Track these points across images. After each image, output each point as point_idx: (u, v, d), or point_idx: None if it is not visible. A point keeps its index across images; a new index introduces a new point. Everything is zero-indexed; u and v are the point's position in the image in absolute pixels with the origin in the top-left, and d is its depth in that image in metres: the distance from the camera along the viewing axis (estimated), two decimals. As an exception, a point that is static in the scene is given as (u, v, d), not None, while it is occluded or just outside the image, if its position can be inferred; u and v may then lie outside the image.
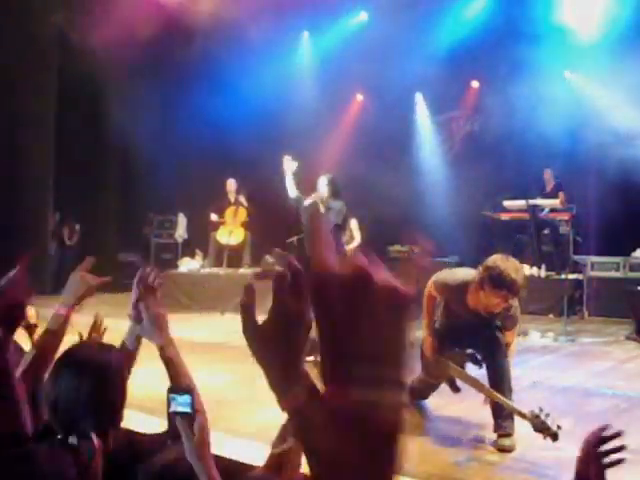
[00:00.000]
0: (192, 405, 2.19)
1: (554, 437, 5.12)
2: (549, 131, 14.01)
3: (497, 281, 5.40)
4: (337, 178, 9.97)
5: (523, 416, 5.29)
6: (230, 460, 4.24)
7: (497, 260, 5.54)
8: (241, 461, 4.36)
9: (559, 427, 5.11)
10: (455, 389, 6.30)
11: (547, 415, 5.18)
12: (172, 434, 2.28)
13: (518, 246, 14.78)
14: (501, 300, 5.49)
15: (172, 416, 2.23)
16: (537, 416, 5.18)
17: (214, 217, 14.65)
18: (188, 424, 2.20)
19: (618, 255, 13.67)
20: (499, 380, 5.77)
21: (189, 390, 2.22)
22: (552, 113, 14.02)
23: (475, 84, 17.21)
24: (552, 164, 14.68)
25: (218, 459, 2.36)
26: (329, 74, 15.63)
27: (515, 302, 5.82)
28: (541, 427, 5.15)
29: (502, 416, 5.68)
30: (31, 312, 3.67)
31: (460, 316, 5.90)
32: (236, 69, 14.48)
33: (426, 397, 6.39)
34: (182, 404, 2.20)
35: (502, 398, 5.56)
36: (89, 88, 15.06)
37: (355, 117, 18.12)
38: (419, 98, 17.85)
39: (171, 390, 2.28)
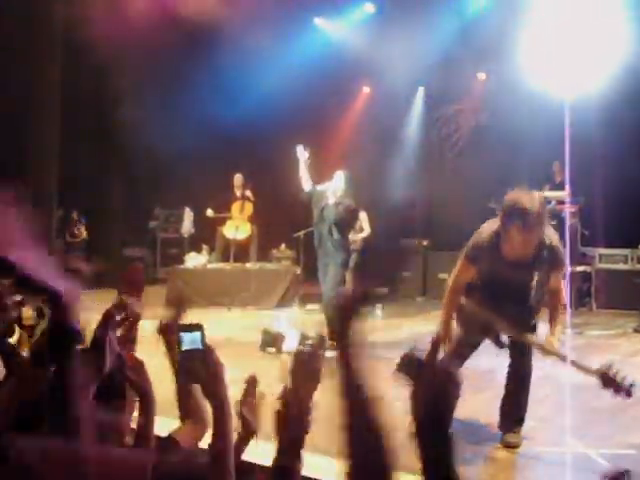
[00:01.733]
0: (202, 341, 2.21)
1: (628, 393, 4.78)
2: (557, 123, 13.95)
3: (509, 212, 5.22)
4: (350, 174, 9.94)
5: (587, 371, 5.07)
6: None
7: (512, 193, 5.34)
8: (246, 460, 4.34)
9: (632, 384, 4.77)
10: (500, 345, 5.92)
11: (617, 371, 4.84)
12: (183, 377, 2.37)
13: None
14: (517, 233, 5.21)
15: (183, 356, 2.24)
16: (605, 372, 4.85)
17: (210, 213, 14.62)
18: (201, 360, 2.21)
19: (626, 247, 13.63)
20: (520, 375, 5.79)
21: (198, 327, 2.24)
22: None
23: (482, 76, 17.15)
24: (560, 154, 14.61)
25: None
26: (335, 66, 15.57)
27: (552, 240, 5.46)
28: (610, 383, 4.81)
29: (514, 419, 5.63)
30: (28, 313, 3.62)
31: (502, 280, 5.48)
32: (242, 62, 14.43)
33: (467, 358, 5.93)
34: (193, 341, 2.22)
35: (556, 350, 5.41)
36: (94, 84, 15.05)
37: (362, 109, 18.08)
38: (421, 92, 17.76)
39: (181, 329, 2.29)
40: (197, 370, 2.21)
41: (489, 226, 5.59)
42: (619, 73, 12.61)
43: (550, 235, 5.47)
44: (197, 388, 2.45)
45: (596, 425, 6.09)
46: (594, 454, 5.26)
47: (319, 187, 9.65)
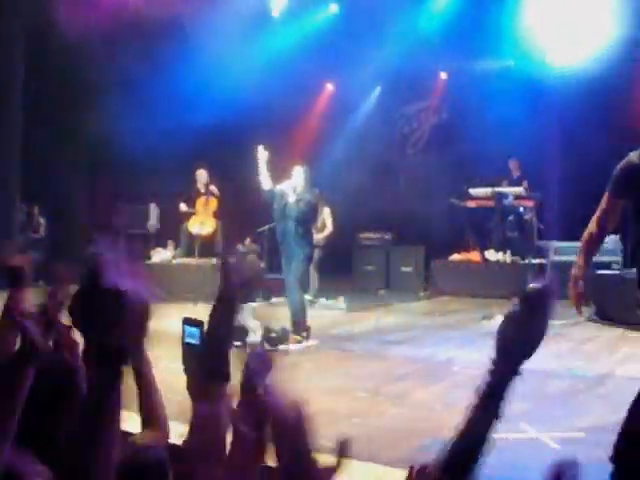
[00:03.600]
0: (200, 338, 2.34)
1: None
2: (513, 120, 14.31)
3: None
4: (310, 169, 10.11)
5: None
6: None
7: None
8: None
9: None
10: None
11: None
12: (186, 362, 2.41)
13: (485, 232, 15.12)
14: None
15: (185, 346, 2.40)
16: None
17: (184, 207, 14.76)
18: (195, 354, 2.34)
19: (580, 240, 14.00)
20: None
21: (199, 324, 2.34)
22: (514, 102, 14.34)
23: (443, 75, 17.45)
24: (517, 152, 14.97)
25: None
26: (300, 65, 15.73)
27: None
28: None
29: None
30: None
31: None
32: (208, 58, 14.53)
33: None
34: (192, 336, 2.37)
35: None
36: (56, 75, 14.96)
37: (325, 107, 18.29)
38: (380, 90, 17.98)
39: (185, 322, 2.42)
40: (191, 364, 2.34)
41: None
42: (575, 72, 12.99)
43: None
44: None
45: (548, 410, 6.37)
46: (546, 438, 5.53)
47: (279, 186, 9.74)
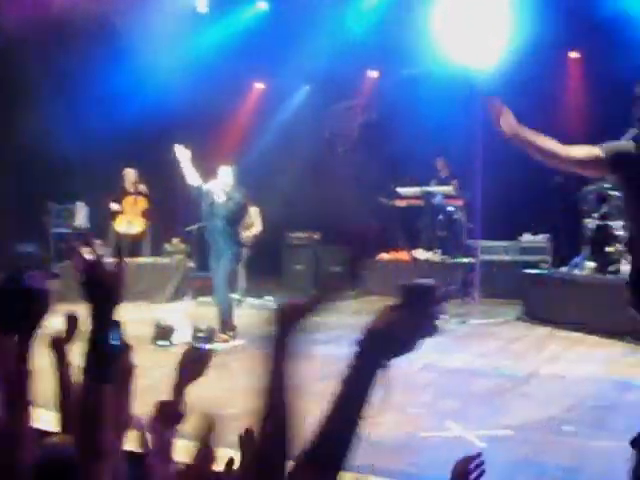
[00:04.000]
0: (121, 338, 2.22)
1: None
2: (443, 119, 14.42)
3: None
4: (237, 168, 10.13)
5: None
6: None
7: None
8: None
9: None
10: None
11: None
12: None
13: (414, 231, 15.22)
14: None
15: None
16: None
17: (115, 206, 14.56)
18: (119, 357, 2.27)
19: (507, 239, 14.21)
20: None
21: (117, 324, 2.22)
22: (444, 101, 14.46)
23: (372, 74, 17.50)
24: (447, 152, 15.06)
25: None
26: (229, 63, 15.61)
27: None
28: None
29: None
30: None
31: None
32: (138, 58, 14.35)
33: None
34: (114, 338, 2.29)
35: None
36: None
37: (254, 106, 18.20)
38: (308, 89, 17.93)
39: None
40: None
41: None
42: (502, 71, 13.12)
43: None
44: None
45: (474, 408, 6.42)
46: (472, 436, 5.57)
47: (207, 185, 9.73)
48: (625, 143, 4.14)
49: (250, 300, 13.55)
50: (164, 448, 2.40)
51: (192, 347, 2.28)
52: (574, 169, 4.37)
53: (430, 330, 1.61)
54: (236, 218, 9.89)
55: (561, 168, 4.51)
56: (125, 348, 2.32)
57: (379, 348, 1.63)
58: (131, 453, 2.44)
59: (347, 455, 1.65)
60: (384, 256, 15.30)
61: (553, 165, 4.36)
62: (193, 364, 2.39)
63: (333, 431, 1.64)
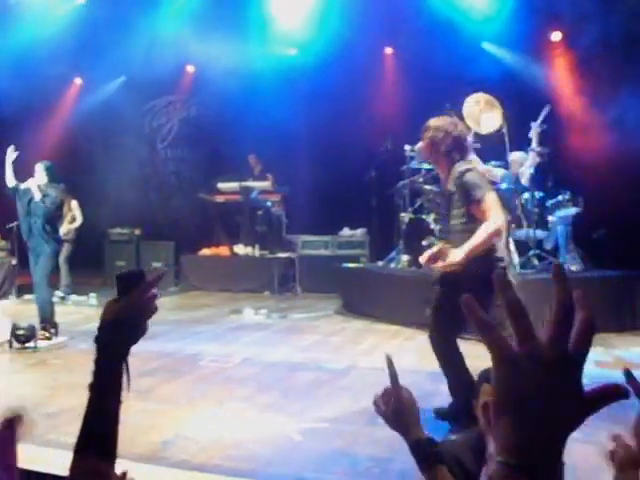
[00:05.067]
0: None
1: None
2: (262, 114, 14.45)
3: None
4: (53, 164, 9.92)
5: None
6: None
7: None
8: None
9: None
10: None
11: None
12: None
13: (234, 227, 15.19)
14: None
15: None
16: None
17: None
18: None
19: (327, 234, 14.39)
20: None
21: None
22: (264, 95, 14.51)
23: (190, 69, 17.31)
24: (263, 147, 15.06)
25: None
26: (46, 57, 15.03)
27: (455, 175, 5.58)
28: None
29: None
30: None
31: None
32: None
33: None
34: None
35: None
36: None
37: (74, 101, 17.67)
38: (127, 84, 17.52)
39: None
40: None
41: (467, 165, 5.64)
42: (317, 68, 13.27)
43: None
44: None
45: (293, 402, 6.43)
46: (292, 430, 5.57)
47: (24, 184, 9.62)
48: None
49: (73, 297, 13.37)
50: None
51: None
52: None
53: (152, 310, 1.76)
54: (53, 216, 9.77)
55: None
56: None
57: (114, 339, 1.72)
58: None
59: (114, 440, 1.69)
60: (205, 251, 15.20)
61: None
62: None
63: (95, 421, 1.69)
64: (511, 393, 0.97)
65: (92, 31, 15.05)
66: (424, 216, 11.14)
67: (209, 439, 5.38)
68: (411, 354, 8.21)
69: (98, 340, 1.72)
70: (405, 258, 11.35)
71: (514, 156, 10.74)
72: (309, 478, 4.62)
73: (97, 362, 1.72)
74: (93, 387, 1.71)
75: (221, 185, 15.16)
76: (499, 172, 10.33)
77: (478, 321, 0.98)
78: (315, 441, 5.35)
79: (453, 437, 3.62)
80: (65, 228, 13.15)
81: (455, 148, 5.63)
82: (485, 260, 5.26)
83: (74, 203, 13.69)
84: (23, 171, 9.71)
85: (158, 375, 7.31)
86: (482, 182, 5.51)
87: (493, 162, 10.45)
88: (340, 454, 5.11)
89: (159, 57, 14.76)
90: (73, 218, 13.73)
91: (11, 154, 9.54)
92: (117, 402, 1.71)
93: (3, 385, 6.97)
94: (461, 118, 10.84)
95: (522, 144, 10.82)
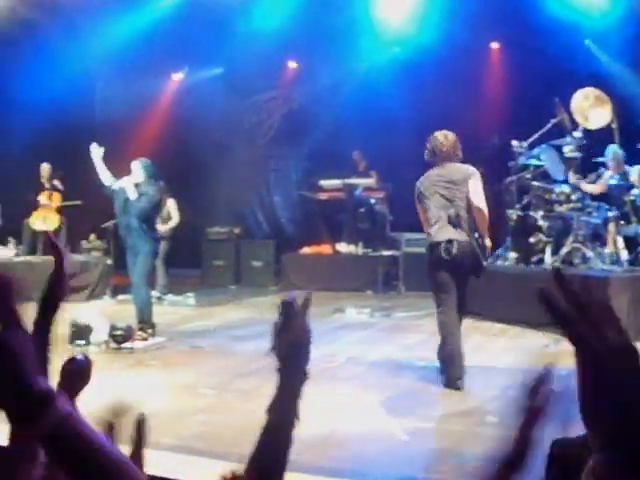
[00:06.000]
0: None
1: None
2: (366, 111, 14.38)
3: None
4: (152, 162, 9.86)
5: None
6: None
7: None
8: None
9: None
10: None
11: None
12: None
13: (337, 224, 15.10)
14: None
15: None
16: None
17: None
18: None
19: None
20: None
21: None
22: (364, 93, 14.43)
23: (292, 64, 17.32)
24: (367, 143, 14.94)
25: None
26: (146, 54, 15.22)
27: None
28: None
29: None
30: None
31: None
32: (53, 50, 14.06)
33: None
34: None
35: None
36: None
37: (172, 99, 17.87)
38: (227, 81, 17.61)
39: None
40: None
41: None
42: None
43: None
44: None
45: (399, 401, 6.32)
46: (397, 429, 5.46)
47: (119, 182, 9.50)
48: None
49: (170, 297, 13.31)
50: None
51: (69, 359, 2.06)
52: None
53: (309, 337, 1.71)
54: (149, 215, 9.64)
55: None
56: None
57: (296, 359, 1.72)
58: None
59: (287, 457, 1.69)
60: (306, 250, 15.17)
61: None
62: (73, 376, 2.17)
63: (272, 437, 1.71)
64: (609, 385, 0.96)
65: (192, 26, 15.17)
66: (532, 213, 10.90)
67: (314, 438, 5.30)
68: (518, 353, 8.02)
69: (283, 357, 1.73)
70: (513, 255, 11.10)
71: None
72: (418, 478, 4.51)
73: (281, 378, 1.73)
74: (277, 402, 1.75)
75: (324, 182, 15.06)
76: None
77: (559, 315, 0.99)
78: (422, 441, 5.24)
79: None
80: (160, 227, 13.21)
81: None
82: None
83: (171, 202, 13.65)
84: (126, 171, 9.68)
85: (261, 375, 7.26)
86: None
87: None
88: (447, 454, 4.99)
89: (260, 52, 14.81)
90: (169, 217, 13.70)
91: (96, 151, 9.46)
92: (296, 417, 1.75)
93: (99, 385, 7.02)
94: (569, 113, 10.62)
95: (633, 141, 10.47)
